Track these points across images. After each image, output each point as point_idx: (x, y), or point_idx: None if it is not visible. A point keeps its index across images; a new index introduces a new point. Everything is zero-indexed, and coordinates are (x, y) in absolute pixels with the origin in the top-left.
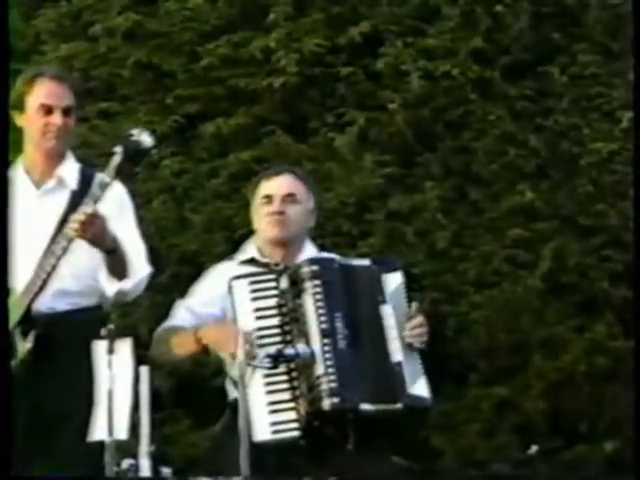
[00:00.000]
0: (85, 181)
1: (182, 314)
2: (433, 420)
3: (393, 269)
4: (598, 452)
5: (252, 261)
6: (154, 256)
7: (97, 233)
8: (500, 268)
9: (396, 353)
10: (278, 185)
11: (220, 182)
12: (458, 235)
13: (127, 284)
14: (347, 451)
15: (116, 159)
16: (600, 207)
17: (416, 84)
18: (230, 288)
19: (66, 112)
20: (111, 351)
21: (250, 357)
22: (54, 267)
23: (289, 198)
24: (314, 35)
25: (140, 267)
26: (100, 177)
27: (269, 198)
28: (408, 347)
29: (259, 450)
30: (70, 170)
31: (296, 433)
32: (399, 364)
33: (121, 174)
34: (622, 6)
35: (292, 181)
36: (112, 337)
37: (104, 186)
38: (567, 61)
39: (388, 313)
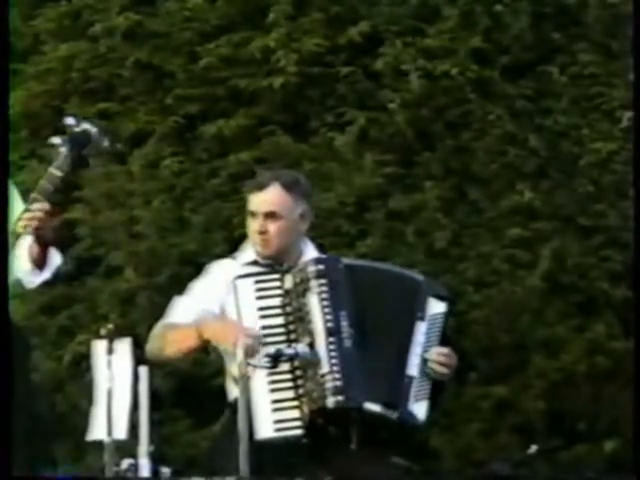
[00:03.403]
0: None
1: (180, 311)
2: (433, 420)
3: (442, 297)
4: (598, 452)
5: (255, 263)
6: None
7: (46, 227)
8: (499, 268)
9: (412, 368)
10: (260, 201)
11: (220, 182)
12: (457, 235)
13: (47, 274)
14: (348, 451)
15: (63, 152)
16: (600, 207)
17: (416, 84)
18: (235, 287)
19: None
20: (110, 351)
21: (251, 353)
22: None
23: (271, 215)
24: (314, 35)
25: (53, 256)
26: (49, 171)
27: (253, 215)
28: (428, 371)
29: (260, 450)
30: None
31: (299, 431)
32: (410, 378)
33: (74, 166)
34: (622, 6)
35: (275, 195)
36: (111, 337)
37: (54, 179)
38: (567, 61)
39: (421, 330)
